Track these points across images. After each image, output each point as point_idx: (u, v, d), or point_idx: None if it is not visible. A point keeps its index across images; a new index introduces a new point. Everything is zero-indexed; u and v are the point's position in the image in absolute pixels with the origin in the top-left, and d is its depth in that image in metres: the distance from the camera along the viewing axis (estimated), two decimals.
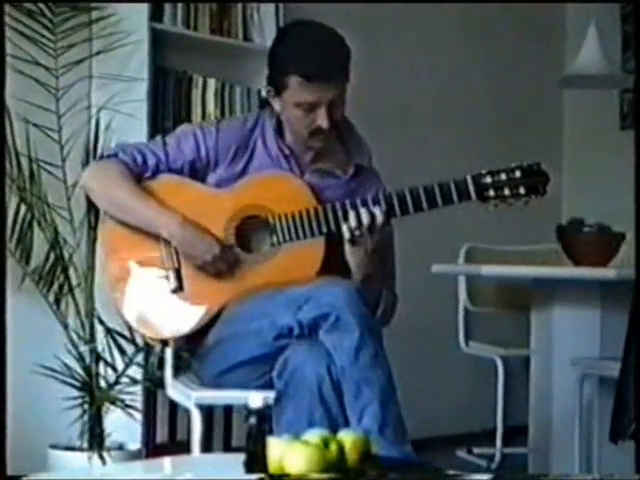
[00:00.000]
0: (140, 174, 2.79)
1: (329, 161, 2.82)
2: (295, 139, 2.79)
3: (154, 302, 2.76)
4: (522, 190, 2.66)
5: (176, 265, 2.75)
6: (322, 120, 2.67)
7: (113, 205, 2.79)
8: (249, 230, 2.75)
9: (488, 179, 2.66)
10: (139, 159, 2.79)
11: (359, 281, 2.66)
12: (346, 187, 2.80)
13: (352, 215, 2.63)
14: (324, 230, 2.69)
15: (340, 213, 2.67)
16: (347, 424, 2.43)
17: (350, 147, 2.85)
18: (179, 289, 2.74)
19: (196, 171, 2.80)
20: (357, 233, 2.63)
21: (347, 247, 2.67)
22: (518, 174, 2.66)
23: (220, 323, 2.72)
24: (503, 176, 2.66)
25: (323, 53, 2.66)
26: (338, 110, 2.71)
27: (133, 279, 2.78)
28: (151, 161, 2.79)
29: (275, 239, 2.72)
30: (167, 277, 2.74)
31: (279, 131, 2.80)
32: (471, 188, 2.65)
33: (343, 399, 2.47)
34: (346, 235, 2.64)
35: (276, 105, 2.76)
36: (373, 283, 2.70)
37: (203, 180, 2.80)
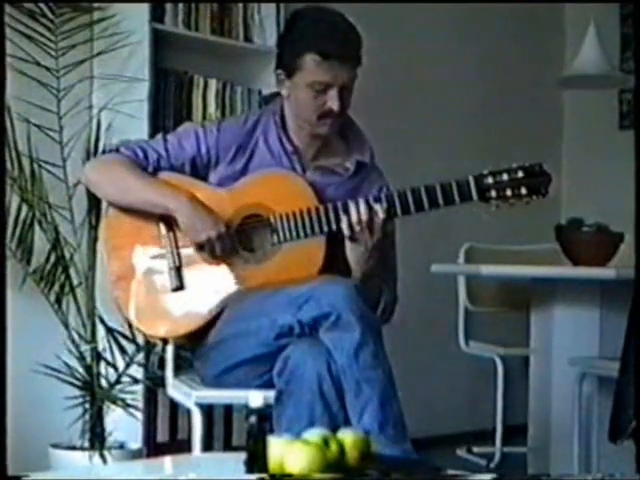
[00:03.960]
0: (142, 169, 2.78)
1: (331, 158, 2.82)
2: (300, 130, 2.78)
3: (155, 301, 2.76)
4: (524, 191, 2.65)
5: (177, 263, 2.76)
6: (333, 102, 2.67)
7: (115, 188, 2.76)
8: (250, 229, 2.75)
9: (490, 180, 2.65)
10: (140, 154, 2.79)
11: (358, 278, 2.66)
12: (348, 185, 2.80)
13: (352, 210, 2.63)
14: (325, 229, 2.68)
15: (341, 212, 2.66)
16: (348, 422, 2.42)
17: (351, 143, 2.84)
18: (180, 288, 2.75)
19: (197, 169, 2.80)
20: (357, 229, 2.62)
21: (347, 243, 2.67)
22: (520, 174, 2.65)
23: (221, 322, 2.72)
24: (505, 176, 2.65)
25: (340, 33, 2.67)
26: (348, 95, 2.71)
27: (134, 277, 2.78)
28: (152, 157, 2.79)
29: (276, 238, 2.72)
30: (168, 275, 2.75)
31: (282, 127, 2.80)
32: (473, 189, 2.64)
33: (344, 397, 2.46)
34: (346, 231, 2.64)
35: (285, 90, 2.75)
36: (372, 281, 2.69)
37: (204, 179, 2.80)
